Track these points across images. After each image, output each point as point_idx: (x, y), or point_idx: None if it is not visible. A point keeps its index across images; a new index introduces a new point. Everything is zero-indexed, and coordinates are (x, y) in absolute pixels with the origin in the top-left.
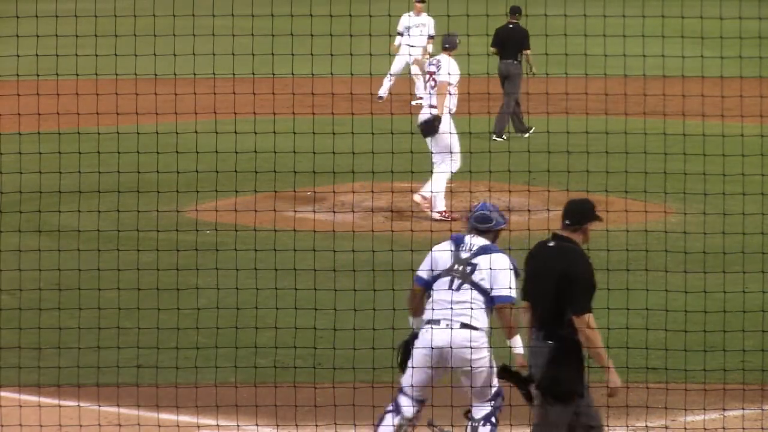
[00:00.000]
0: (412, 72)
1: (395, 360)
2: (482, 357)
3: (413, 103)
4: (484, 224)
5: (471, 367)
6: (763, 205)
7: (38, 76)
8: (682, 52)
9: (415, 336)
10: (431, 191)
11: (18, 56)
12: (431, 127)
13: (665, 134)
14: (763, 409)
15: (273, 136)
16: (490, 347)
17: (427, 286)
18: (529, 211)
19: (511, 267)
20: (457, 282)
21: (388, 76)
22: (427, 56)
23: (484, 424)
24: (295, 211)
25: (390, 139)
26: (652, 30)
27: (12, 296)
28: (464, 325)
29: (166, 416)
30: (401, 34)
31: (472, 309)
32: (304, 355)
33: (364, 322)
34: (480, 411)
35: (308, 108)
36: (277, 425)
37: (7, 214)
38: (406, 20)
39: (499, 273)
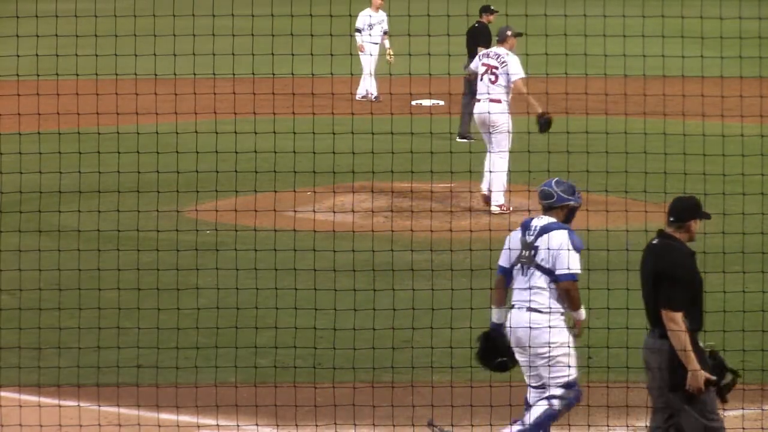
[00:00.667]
0: (369, 71)
1: (474, 351)
2: (546, 341)
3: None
4: (546, 200)
5: (530, 347)
6: (763, 205)
7: (38, 76)
8: (682, 52)
9: (495, 328)
10: (491, 189)
11: (18, 56)
12: (543, 125)
13: (665, 134)
14: (763, 409)
15: (273, 136)
16: (567, 345)
17: (505, 273)
18: (529, 211)
19: (571, 242)
20: (525, 267)
21: (371, 76)
22: (390, 53)
23: (544, 399)
24: (295, 211)
25: (390, 139)
26: (652, 30)
27: (12, 296)
28: (531, 309)
29: (166, 416)
30: (360, 31)
31: (538, 292)
32: (304, 355)
33: (364, 322)
34: (544, 393)
35: (308, 108)
36: (277, 425)
37: (7, 214)
38: (366, 18)
39: (559, 252)
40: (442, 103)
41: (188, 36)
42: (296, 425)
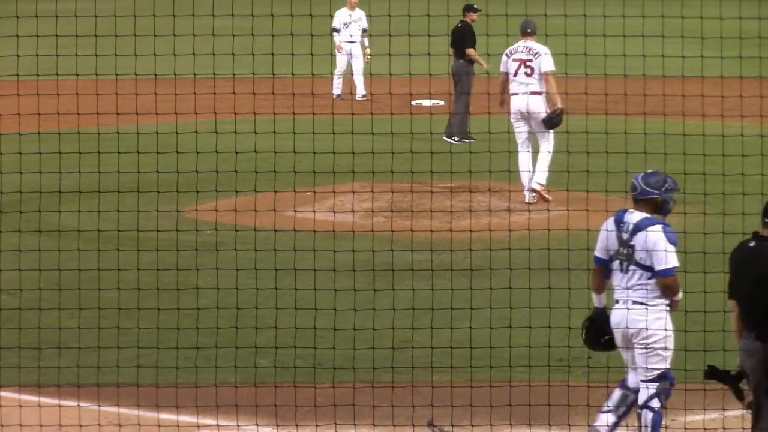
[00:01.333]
0: (355, 72)
1: (581, 337)
2: (650, 333)
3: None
4: (631, 192)
5: (637, 340)
6: (763, 205)
7: (38, 76)
8: (682, 52)
9: (598, 312)
10: (540, 176)
11: (18, 56)
12: (556, 122)
13: (665, 134)
14: None
15: (273, 136)
16: (666, 329)
17: (604, 265)
18: (529, 211)
19: (666, 238)
20: (624, 264)
21: (359, 75)
22: (368, 52)
23: (645, 408)
24: (295, 211)
25: (390, 139)
26: (652, 30)
27: (12, 296)
28: (635, 303)
29: (166, 416)
30: (337, 31)
31: (640, 288)
32: (304, 355)
33: (364, 322)
34: (643, 394)
35: (308, 108)
36: (277, 425)
37: (7, 214)
38: (343, 17)
39: (655, 248)
40: (442, 103)
41: (188, 36)
42: (296, 425)
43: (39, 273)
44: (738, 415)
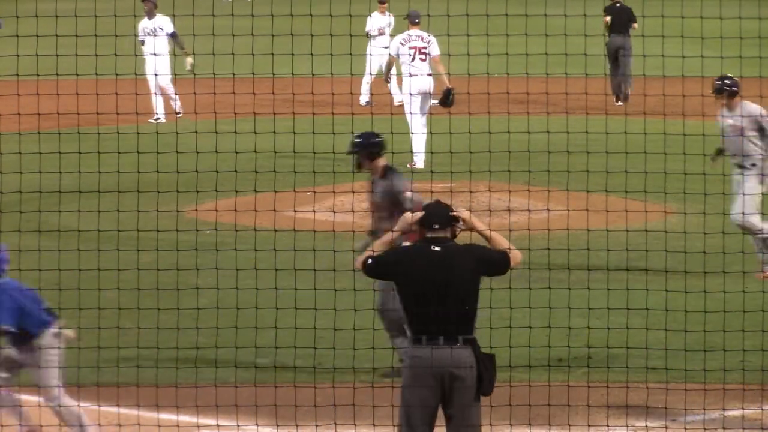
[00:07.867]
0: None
1: None
2: None
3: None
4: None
5: None
6: (763, 205)
7: (38, 76)
8: (682, 52)
9: None
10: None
11: (18, 56)
12: (452, 100)
13: (665, 134)
14: (763, 409)
15: (273, 136)
16: None
17: None
18: (529, 211)
19: None
20: None
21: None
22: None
23: None
24: (295, 211)
25: (390, 139)
26: (652, 30)
27: None
28: None
29: (166, 416)
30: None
31: None
32: (304, 355)
33: (364, 322)
34: None
35: (308, 108)
36: (277, 425)
37: (7, 214)
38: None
39: None
40: None
41: (188, 36)
42: (296, 425)
43: (39, 273)
44: (738, 415)
